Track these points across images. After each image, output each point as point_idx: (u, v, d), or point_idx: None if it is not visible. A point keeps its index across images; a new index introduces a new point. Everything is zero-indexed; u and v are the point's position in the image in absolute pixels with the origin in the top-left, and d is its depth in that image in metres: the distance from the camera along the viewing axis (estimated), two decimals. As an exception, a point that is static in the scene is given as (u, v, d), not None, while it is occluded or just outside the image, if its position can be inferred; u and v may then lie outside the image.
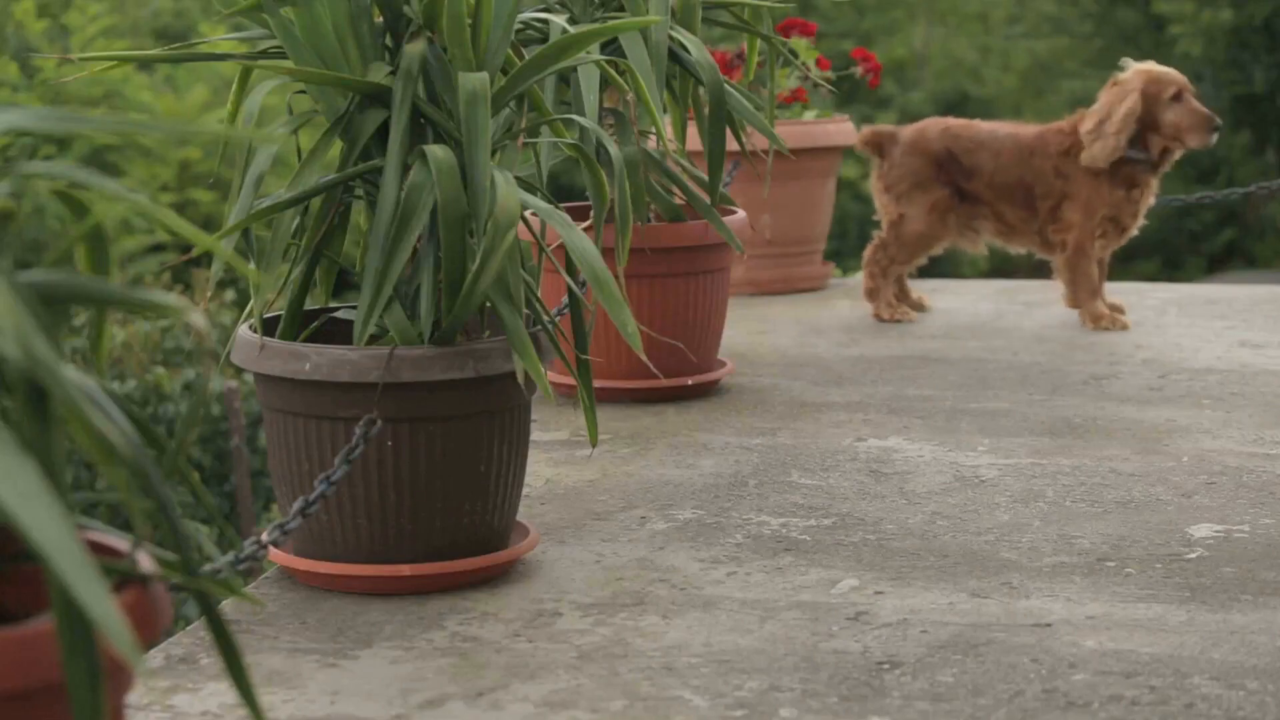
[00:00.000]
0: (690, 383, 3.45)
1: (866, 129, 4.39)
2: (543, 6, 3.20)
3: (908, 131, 4.31)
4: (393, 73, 2.32)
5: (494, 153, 2.39)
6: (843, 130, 4.77)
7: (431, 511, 2.31)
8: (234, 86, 2.47)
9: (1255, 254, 13.00)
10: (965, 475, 2.91)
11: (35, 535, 0.98)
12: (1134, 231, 4.24)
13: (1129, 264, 13.10)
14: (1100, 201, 4.15)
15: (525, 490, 2.73)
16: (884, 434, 3.19)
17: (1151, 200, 4.27)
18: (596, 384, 3.31)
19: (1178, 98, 4.07)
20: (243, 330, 2.38)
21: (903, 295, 4.43)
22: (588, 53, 2.49)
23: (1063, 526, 2.62)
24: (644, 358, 2.36)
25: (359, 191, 2.41)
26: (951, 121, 4.36)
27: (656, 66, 3.07)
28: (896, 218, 4.26)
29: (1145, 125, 4.08)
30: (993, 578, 2.39)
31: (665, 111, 3.22)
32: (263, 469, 7.06)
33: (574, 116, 2.57)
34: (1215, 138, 4.11)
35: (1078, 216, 4.16)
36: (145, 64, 10.24)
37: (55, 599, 1.07)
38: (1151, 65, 4.16)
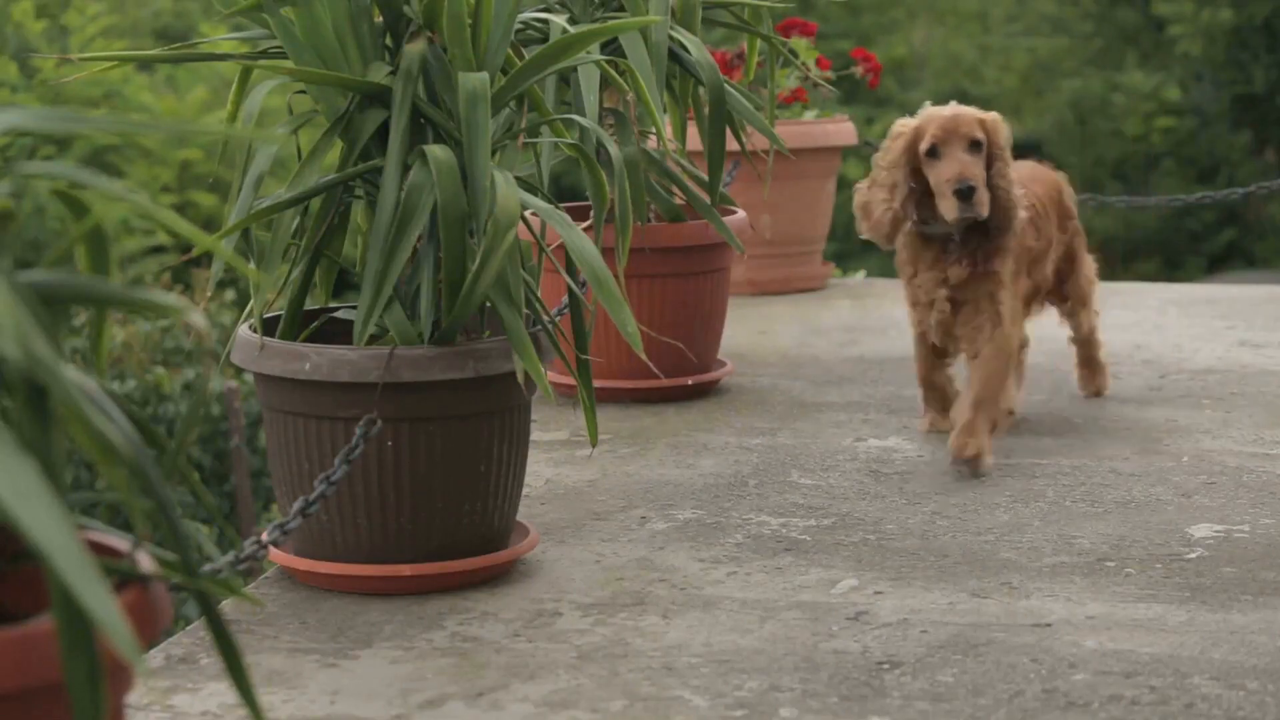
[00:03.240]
0: (690, 383, 3.45)
1: None
2: (543, 6, 3.20)
3: None
4: (393, 73, 2.32)
5: (494, 153, 2.39)
6: (843, 130, 4.77)
7: (431, 511, 2.31)
8: (234, 87, 2.47)
9: (1255, 254, 13.00)
10: (965, 475, 2.90)
11: (35, 535, 0.98)
12: (959, 339, 3.03)
13: (1129, 264, 13.10)
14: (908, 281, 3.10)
15: (525, 490, 2.73)
16: (884, 434, 3.19)
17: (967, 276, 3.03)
18: (596, 384, 3.31)
19: (933, 151, 2.92)
20: (243, 330, 2.38)
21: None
22: (588, 53, 2.49)
23: (1063, 526, 2.62)
24: (644, 358, 2.36)
25: (359, 191, 2.41)
26: None
27: (656, 66, 3.07)
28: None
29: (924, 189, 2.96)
30: (993, 578, 2.39)
31: (665, 111, 3.21)
32: (263, 469, 7.06)
33: (574, 116, 2.57)
34: (979, 209, 2.88)
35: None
36: (145, 64, 10.24)
37: (55, 599, 1.07)
38: (936, 108, 3.00)
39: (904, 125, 3.00)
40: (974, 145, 2.93)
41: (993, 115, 3.00)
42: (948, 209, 2.90)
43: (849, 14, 14.11)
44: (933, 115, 2.97)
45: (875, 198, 3.00)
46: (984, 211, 2.89)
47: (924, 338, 3.10)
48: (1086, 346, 3.45)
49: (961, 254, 2.98)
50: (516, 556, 2.41)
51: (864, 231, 3.04)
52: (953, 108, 2.99)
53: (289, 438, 2.33)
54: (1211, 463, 2.98)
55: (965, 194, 2.88)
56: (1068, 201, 3.33)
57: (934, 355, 3.13)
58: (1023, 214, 2.98)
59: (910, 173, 2.96)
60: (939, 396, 3.18)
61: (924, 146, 2.94)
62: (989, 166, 2.94)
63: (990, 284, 2.98)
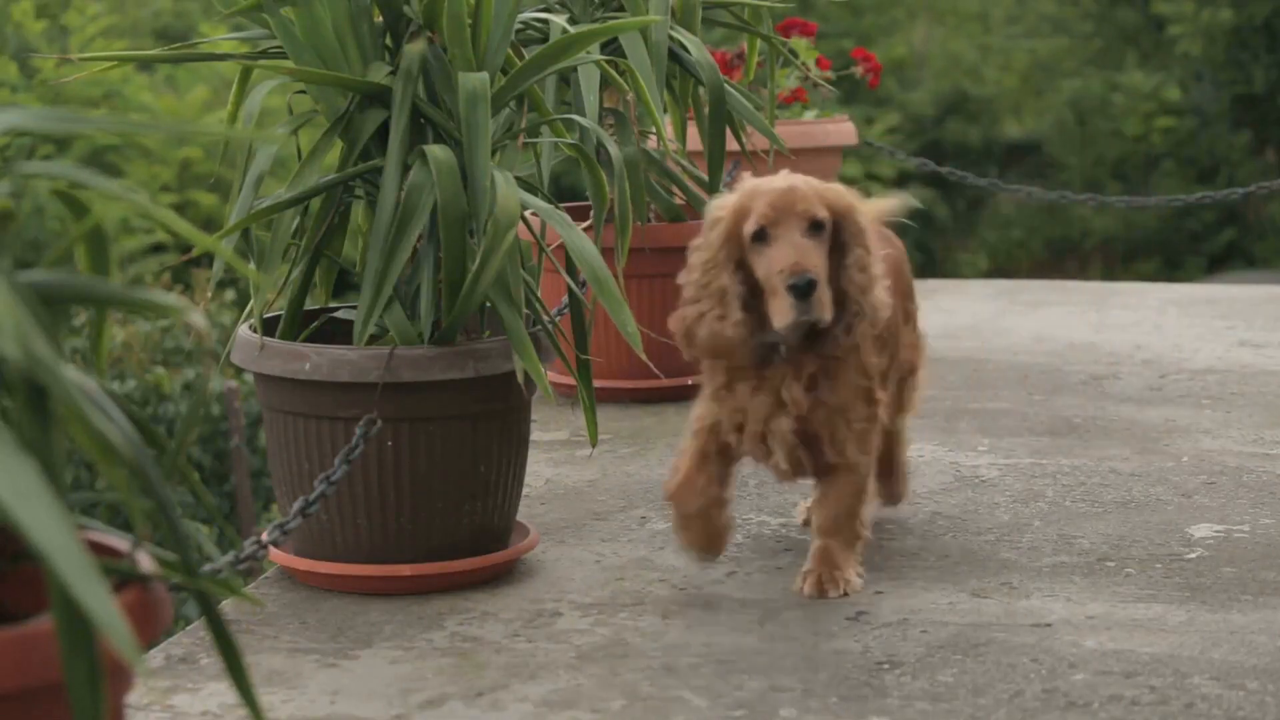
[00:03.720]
0: (690, 382, 3.43)
1: None
2: (543, 6, 3.20)
3: None
4: (393, 73, 2.32)
5: (494, 153, 2.39)
6: (843, 130, 4.77)
7: (431, 511, 2.31)
8: (234, 87, 2.47)
9: (1255, 254, 13.00)
10: (965, 475, 2.90)
11: (35, 535, 0.98)
12: (781, 460, 2.37)
13: (1129, 264, 13.09)
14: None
15: (525, 490, 2.73)
16: (884, 434, 3.18)
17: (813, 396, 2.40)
18: (596, 384, 3.31)
19: (761, 235, 2.25)
20: (243, 330, 2.38)
21: None
22: (588, 53, 2.49)
23: (1063, 526, 2.62)
24: (644, 357, 2.35)
25: (359, 191, 2.41)
26: None
27: (656, 66, 3.07)
28: None
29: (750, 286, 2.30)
30: (993, 578, 2.39)
31: (665, 111, 3.21)
32: (263, 469, 7.06)
33: (574, 116, 2.57)
34: (818, 310, 2.19)
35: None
36: (145, 64, 10.23)
37: (55, 599, 1.07)
38: (763, 180, 2.31)
39: (722, 206, 2.28)
40: (814, 226, 2.21)
41: (838, 188, 2.28)
42: (779, 311, 2.19)
43: (849, 14, 14.11)
44: (758, 189, 2.25)
45: (699, 312, 2.27)
46: (825, 314, 2.19)
47: (706, 457, 2.34)
48: (892, 445, 2.59)
49: (794, 371, 2.27)
50: (516, 556, 2.41)
51: (693, 355, 2.33)
52: (785, 178, 2.26)
53: (289, 438, 2.33)
54: (1211, 463, 2.98)
55: (802, 290, 2.16)
56: (908, 282, 2.59)
57: (721, 479, 2.35)
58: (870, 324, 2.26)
59: (737, 267, 2.25)
60: (705, 526, 2.34)
61: (749, 229, 2.22)
62: (841, 255, 2.24)
63: (839, 401, 2.29)
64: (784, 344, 2.27)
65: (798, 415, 2.28)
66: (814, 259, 2.20)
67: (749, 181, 2.29)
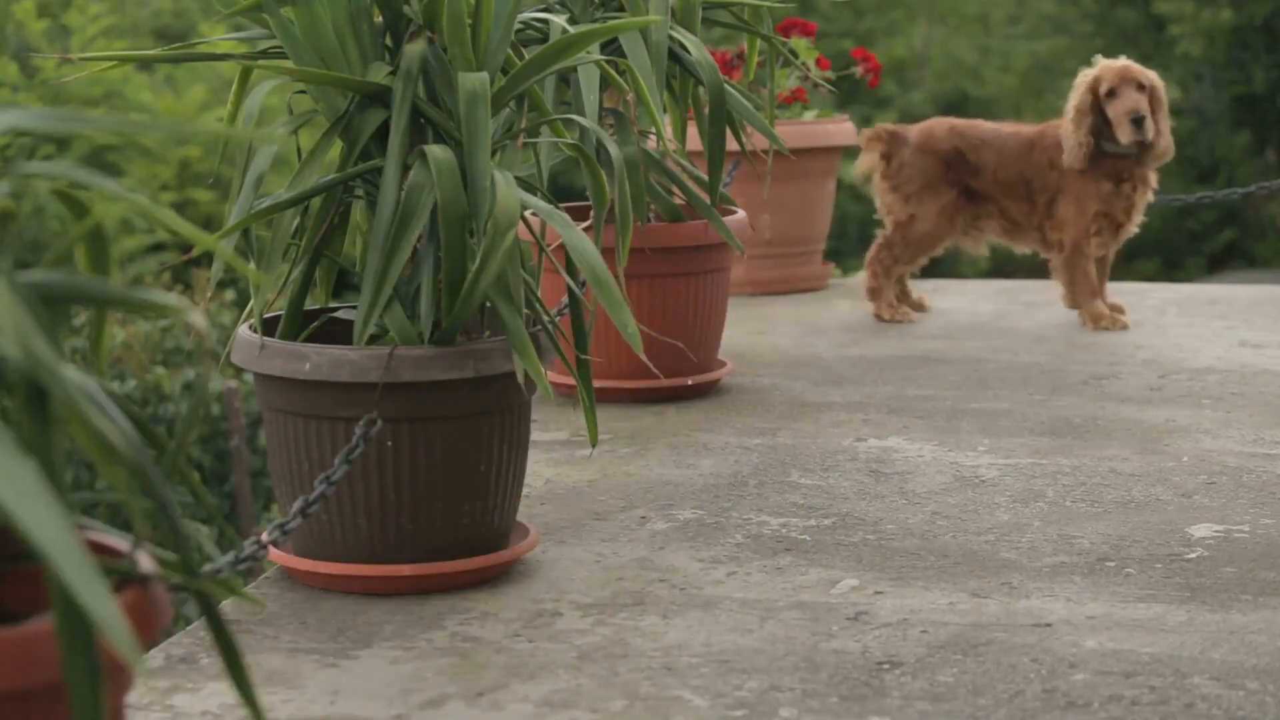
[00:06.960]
0: (690, 383, 3.45)
1: (872, 128, 4.38)
2: (543, 6, 3.20)
3: (915, 132, 4.32)
4: (393, 73, 2.32)
5: (494, 153, 2.39)
6: (843, 130, 4.77)
7: (431, 511, 2.31)
8: (234, 86, 2.47)
9: (1255, 254, 13.00)
10: (965, 475, 2.91)
11: (36, 535, 0.98)
12: (1132, 229, 4.20)
13: (1129, 264, 13.09)
14: (1090, 196, 4.14)
15: (525, 490, 2.73)
16: (884, 434, 3.19)
17: (1150, 196, 4.21)
18: (597, 384, 3.31)
19: (1113, 93, 4.04)
20: (243, 330, 2.38)
21: (903, 296, 4.44)
22: (588, 53, 2.49)
23: (1063, 526, 2.62)
24: (644, 358, 2.35)
25: (359, 191, 2.41)
26: (956, 121, 4.38)
27: (656, 66, 3.07)
28: (905, 218, 4.27)
29: (1105, 120, 4.08)
30: (993, 578, 2.39)
31: (665, 111, 3.21)
32: (263, 469, 7.06)
33: (574, 116, 2.57)
34: (1146, 133, 4.01)
35: (1071, 212, 4.16)
36: (145, 64, 10.23)
37: (55, 599, 1.07)
38: (1107, 61, 4.12)
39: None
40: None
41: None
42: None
43: (849, 14, 14.11)
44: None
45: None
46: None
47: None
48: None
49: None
50: (516, 556, 2.41)
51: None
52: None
53: (289, 438, 2.33)
54: (1211, 463, 2.98)
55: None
56: None
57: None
58: None
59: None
60: None
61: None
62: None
63: None
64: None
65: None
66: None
67: (1106, 61, 4.08)
